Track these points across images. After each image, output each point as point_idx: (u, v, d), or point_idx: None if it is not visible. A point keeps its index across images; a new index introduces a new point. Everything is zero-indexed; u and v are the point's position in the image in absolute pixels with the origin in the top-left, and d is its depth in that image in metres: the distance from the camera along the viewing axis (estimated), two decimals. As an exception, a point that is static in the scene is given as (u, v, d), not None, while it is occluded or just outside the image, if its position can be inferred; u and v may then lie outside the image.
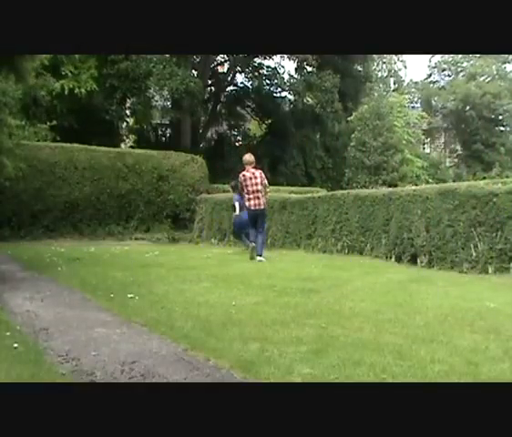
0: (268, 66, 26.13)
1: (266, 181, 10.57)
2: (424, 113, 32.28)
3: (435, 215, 9.27)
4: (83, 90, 17.77)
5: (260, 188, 10.35)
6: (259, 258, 10.11)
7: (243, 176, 10.51)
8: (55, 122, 16.10)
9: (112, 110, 20.90)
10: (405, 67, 57.97)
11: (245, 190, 10.47)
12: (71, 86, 17.65)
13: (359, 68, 28.90)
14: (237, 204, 11.81)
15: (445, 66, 41.99)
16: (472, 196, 8.74)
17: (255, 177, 10.40)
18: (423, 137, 30.76)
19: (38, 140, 15.50)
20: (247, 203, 10.50)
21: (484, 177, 24.67)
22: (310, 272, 8.44)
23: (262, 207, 10.40)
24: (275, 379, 3.38)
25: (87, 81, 17.96)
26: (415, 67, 71.22)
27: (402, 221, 9.98)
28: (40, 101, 16.85)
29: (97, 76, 18.54)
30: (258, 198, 10.35)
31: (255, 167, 10.68)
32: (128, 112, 23.61)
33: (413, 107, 36.25)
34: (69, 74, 17.75)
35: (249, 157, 10.62)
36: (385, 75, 43.93)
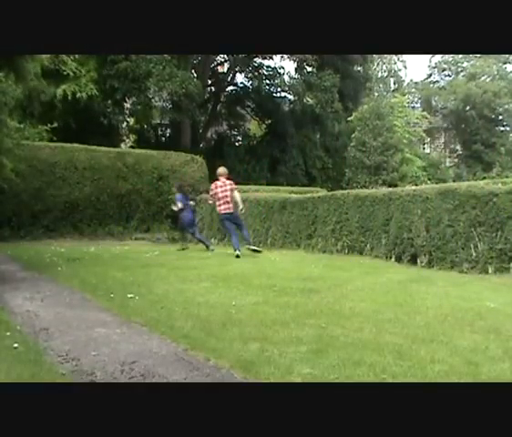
0: (268, 66, 26.14)
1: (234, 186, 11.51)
2: (425, 113, 32.27)
3: (435, 215, 9.27)
4: (84, 95, 17.78)
5: (228, 193, 11.33)
6: (253, 247, 11.18)
7: (215, 184, 11.53)
8: (56, 124, 16.12)
9: (112, 110, 20.90)
10: (405, 67, 58.04)
11: (216, 197, 11.48)
12: (73, 90, 17.66)
13: (359, 68, 28.89)
14: (179, 203, 13.11)
15: (445, 66, 41.98)
16: (472, 196, 8.74)
17: (225, 185, 11.40)
18: (423, 135, 30.70)
19: (39, 140, 15.52)
20: (218, 208, 11.56)
21: (484, 177, 24.66)
22: (310, 272, 8.44)
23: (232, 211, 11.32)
24: (275, 379, 3.38)
25: (86, 84, 17.97)
26: (415, 67, 71.27)
27: (402, 221, 9.98)
28: (39, 104, 16.84)
29: (97, 79, 18.53)
30: (227, 202, 11.29)
31: (228, 178, 11.63)
32: (128, 112, 23.61)
33: (413, 108, 36.25)
34: (71, 74, 17.72)
35: (222, 170, 11.73)
36: (385, 75, 43.93)
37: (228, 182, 11.47)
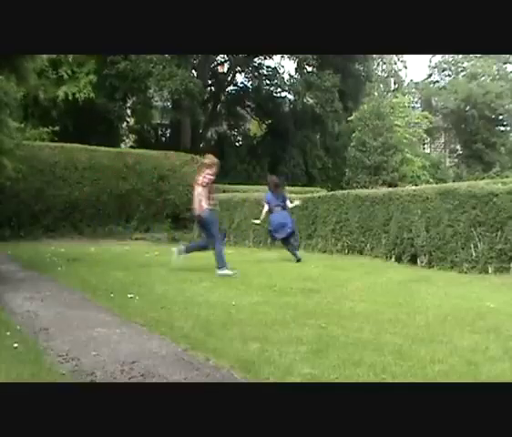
0: (268, 66, 26.17)
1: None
2: (426, 113, 32.26)
3: (435, 215, 9.27)
4: (82, 95, 17.79)
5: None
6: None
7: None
8: (57, 127, 16.13)
9: (112, 110, 20.91)
10: (406, 67, 57.93)
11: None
12: (73, 91, 17.67)
13: (359, 68, 28.89)
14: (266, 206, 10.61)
15: (445, 66, 41.96)
16: (472, 196, 8.73)
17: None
18: (424, 135, 30.72)
19: (38, 140, 15.54)
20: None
21: (483, 178, 24.67)
22: (310, 272, 8.44)
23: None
24: (275, 379, 3.38)
25: (85, 86, 17.97)
26: (415, 67, 71.26)
27: (402, 221, 9.97)
28: (41, 103, 16.86)
29: (97, 79, 18.54)
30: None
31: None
32: (128, 112, 23.62)
33: (413, 108, 36.24)
34: (66, 75, 17.70)
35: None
36: (385, 75, 43.90)
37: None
